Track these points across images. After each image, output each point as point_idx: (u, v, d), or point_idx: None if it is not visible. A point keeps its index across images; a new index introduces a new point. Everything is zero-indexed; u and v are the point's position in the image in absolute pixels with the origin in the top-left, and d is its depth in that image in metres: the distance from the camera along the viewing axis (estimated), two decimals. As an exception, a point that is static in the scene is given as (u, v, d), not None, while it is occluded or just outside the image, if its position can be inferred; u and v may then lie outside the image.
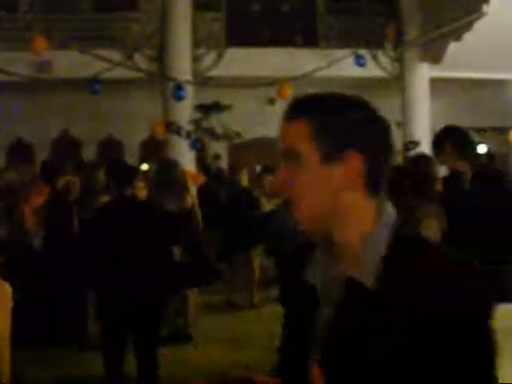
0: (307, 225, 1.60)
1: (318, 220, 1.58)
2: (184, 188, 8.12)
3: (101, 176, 8.94)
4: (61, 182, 8.36)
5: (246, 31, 16.30)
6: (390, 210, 1.60)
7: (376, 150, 1.57)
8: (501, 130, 15.03)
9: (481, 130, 17.01)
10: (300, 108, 1.61)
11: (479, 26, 14.66)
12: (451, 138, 5.57)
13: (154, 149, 15.68)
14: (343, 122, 1.55)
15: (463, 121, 17.68)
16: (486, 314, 1.48)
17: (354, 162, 1.54)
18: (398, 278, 1.48)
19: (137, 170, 6.99)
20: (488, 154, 17.22)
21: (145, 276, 5.77)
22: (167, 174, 8.01)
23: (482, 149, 17.68)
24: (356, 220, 1.56)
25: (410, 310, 1.45)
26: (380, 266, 1.50)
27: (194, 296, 8.76)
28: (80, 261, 6.26)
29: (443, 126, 5.81)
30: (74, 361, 7.83)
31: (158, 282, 5.88)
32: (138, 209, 6.10)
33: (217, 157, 17.12)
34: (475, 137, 5.80)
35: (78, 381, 7.34)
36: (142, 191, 6.97)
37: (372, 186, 1.57)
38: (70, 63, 14.17)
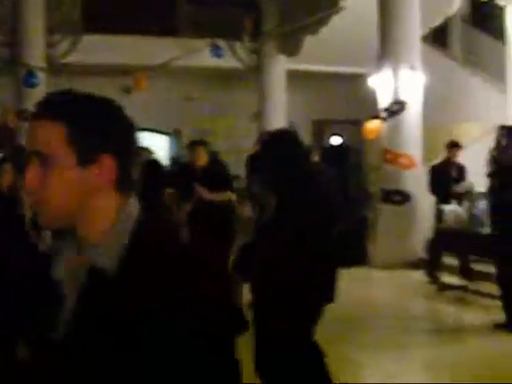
0: (49, 221, 1.64)
1: (61, 217, 1.63)
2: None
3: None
4: None
5: (103, 18, 15.96)
6: (136, 205, 1.68)
7: (125, 151, 1.65)
8: (355, 123, 15.42)
9: (336, 123, 17.38)
10: (54, 108, 1.63)
11: (335, 20, 14.98)
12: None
13: (5, 137, 15.18)
14: (99, 126, 1.61)
15: (319, 113, 18.12)
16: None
17: (108, 164, 1.60)
18: (131, 265, 1.57)
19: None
20: (342, 146, 17.68)
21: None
22: (22, 161, 7.76)
23: (336, 141, 18.13)
24: (101, 216, 1.63)
25: (130, 297, 1.52)
26: (120, 254, 1.59)
27: None
28: None
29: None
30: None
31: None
32: None
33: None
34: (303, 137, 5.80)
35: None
36: (8, 175, 6.78)
37: (121, 184, 1.65)
38: None
